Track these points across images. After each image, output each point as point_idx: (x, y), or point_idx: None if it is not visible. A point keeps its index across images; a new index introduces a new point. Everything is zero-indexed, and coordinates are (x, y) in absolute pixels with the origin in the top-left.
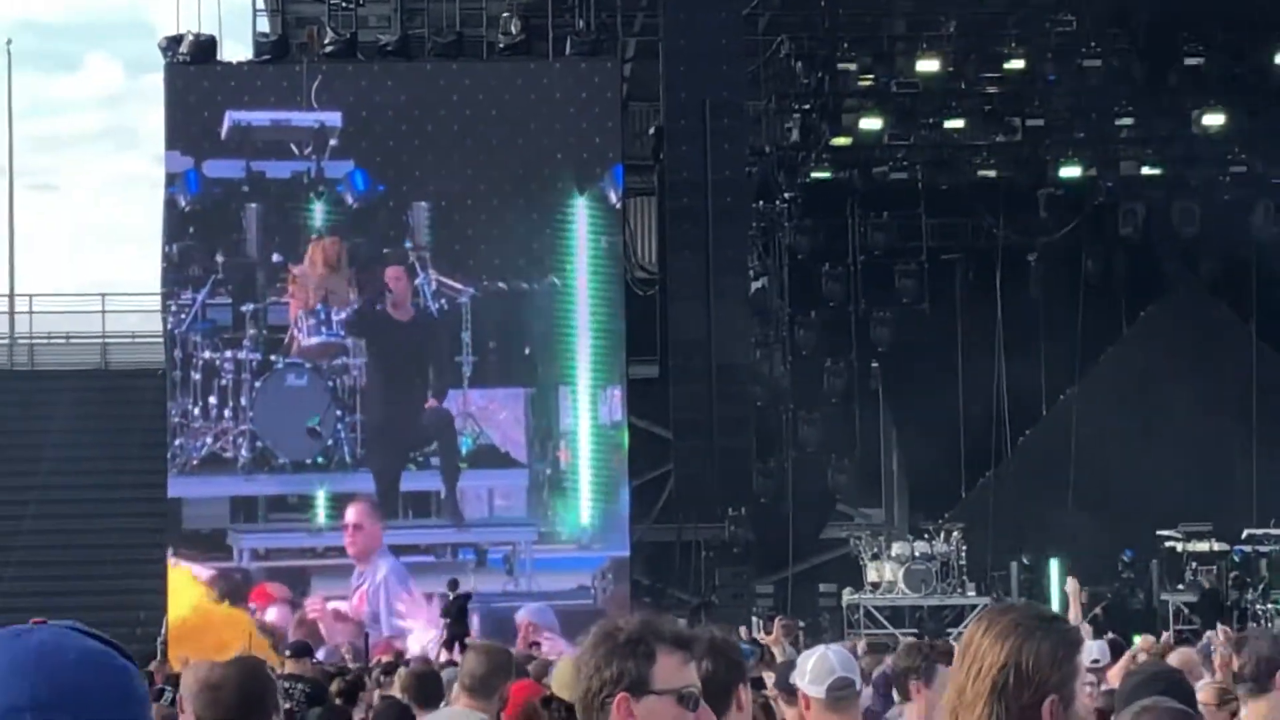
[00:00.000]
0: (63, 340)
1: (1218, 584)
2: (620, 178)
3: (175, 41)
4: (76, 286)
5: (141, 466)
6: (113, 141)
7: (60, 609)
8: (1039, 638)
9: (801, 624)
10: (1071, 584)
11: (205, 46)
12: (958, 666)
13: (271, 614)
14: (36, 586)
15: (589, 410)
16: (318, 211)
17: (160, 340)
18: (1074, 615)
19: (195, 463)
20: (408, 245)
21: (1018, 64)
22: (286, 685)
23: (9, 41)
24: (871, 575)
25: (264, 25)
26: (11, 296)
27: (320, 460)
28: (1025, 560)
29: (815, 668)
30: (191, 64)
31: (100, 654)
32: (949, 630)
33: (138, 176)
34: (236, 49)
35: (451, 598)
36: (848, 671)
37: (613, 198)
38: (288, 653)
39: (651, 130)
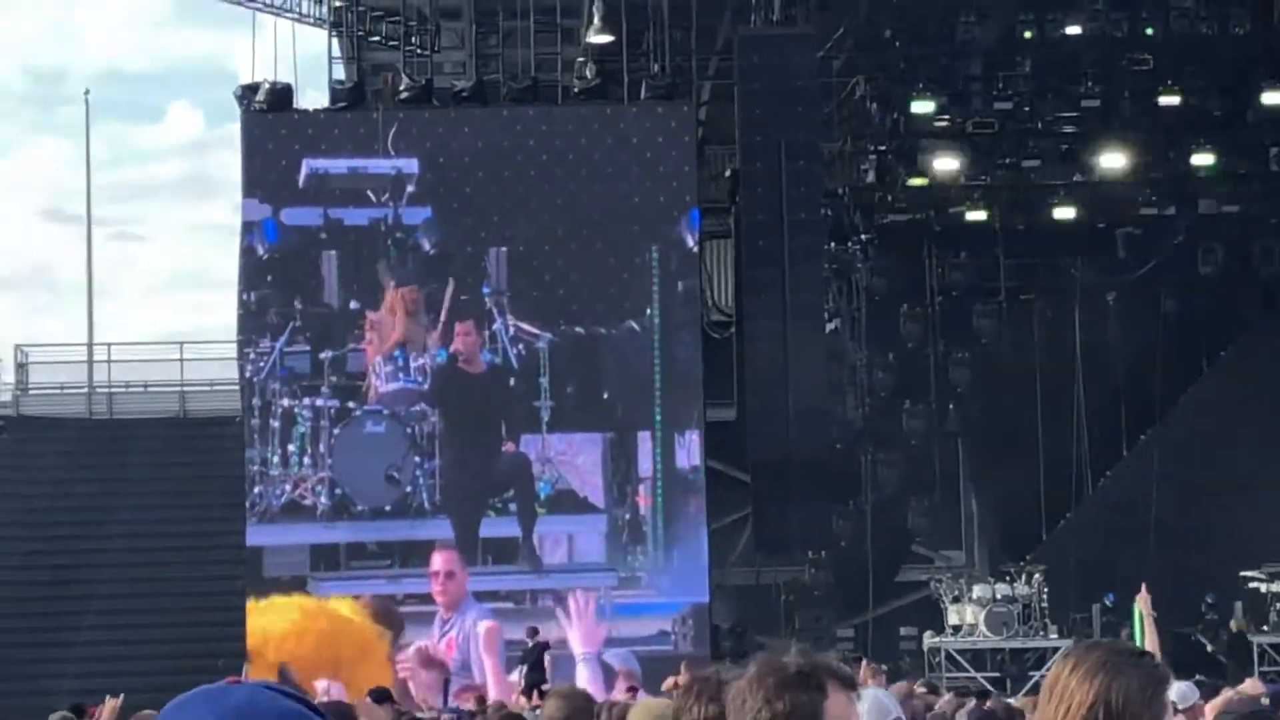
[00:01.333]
0: (141, 389)
1: None
2: (697, 221)
3: (251, 90)
4: (157, 335)
5: (220, 514)
6: (193, 190)
7: (139, 656)
8: (1128, 675)
9: (884, 668)
10: (1143, 598)
11: (281, 94)
12: (1044, 704)
13: None
14: (117, 635)
15: (667, 454)
16: (395, 258)
17: (236, 387)
18: (1149, 630)
19: (275, 510)
20: (485, 291)
21: (1094, 103)
22: None
23: (87, 92)
24: (952, 618)
25: (340, 73)
26: (90, 346)
27: (399, 507)
28: (1108, 602)
29: (871, 709)
30: (268, 112)
31: (295, 713)
32: (1031, 673)
33: (218, 225)
34: (313, 97)
35: (530, 645)
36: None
37: (689, 241)
38: (369, 700)
39: (727, 173)
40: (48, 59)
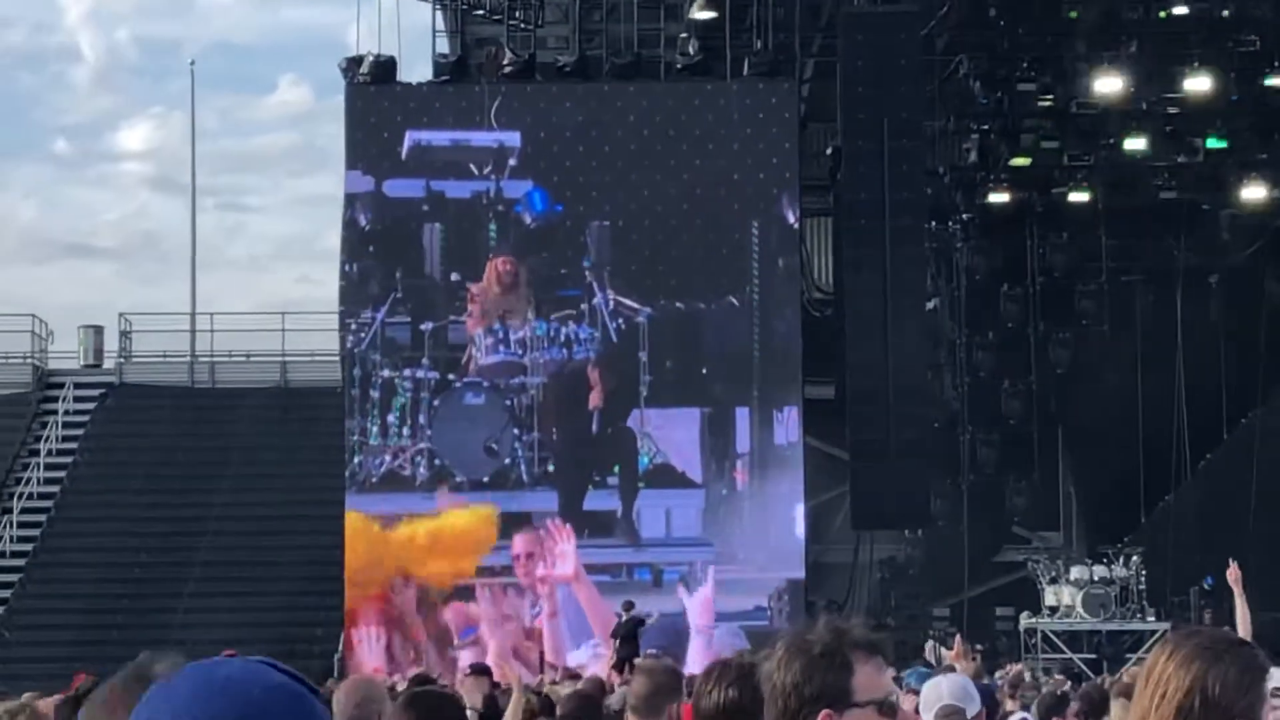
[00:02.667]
0: (243, 358)
1: None
2: (798, 199)
3: (356, 63)
4: (263, 305)
5: (320, 483)
6: (301, 161)
7: (239, 624)
8: (1226, 663)
9: (979, 647)
10: (1233, 573)
11: (385, 67)
12: (1141, 691)
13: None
14: (216, 603)
15: (765, 430)
16: (496, 231)
17: (337, 357)
18: (1240, 605)
19: (374, 480)
20: (585, 265)
21: (1200, 83)
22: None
23: (192, 63)
24: (1049, 599)
25: (443, 46)
26: (193, 315)
27: (497, 479)
28: (1206, 585)
29: (926, 695)
30: (372, 84)
31: (283, 689)
32: (1127, 655)
33: (324, 196)
34: (418, 70)
35: (624, 618)
36: (956, 699)
37: (790, 219)
38: (467, 671)
39: (829, 151)
40: (159, 30)
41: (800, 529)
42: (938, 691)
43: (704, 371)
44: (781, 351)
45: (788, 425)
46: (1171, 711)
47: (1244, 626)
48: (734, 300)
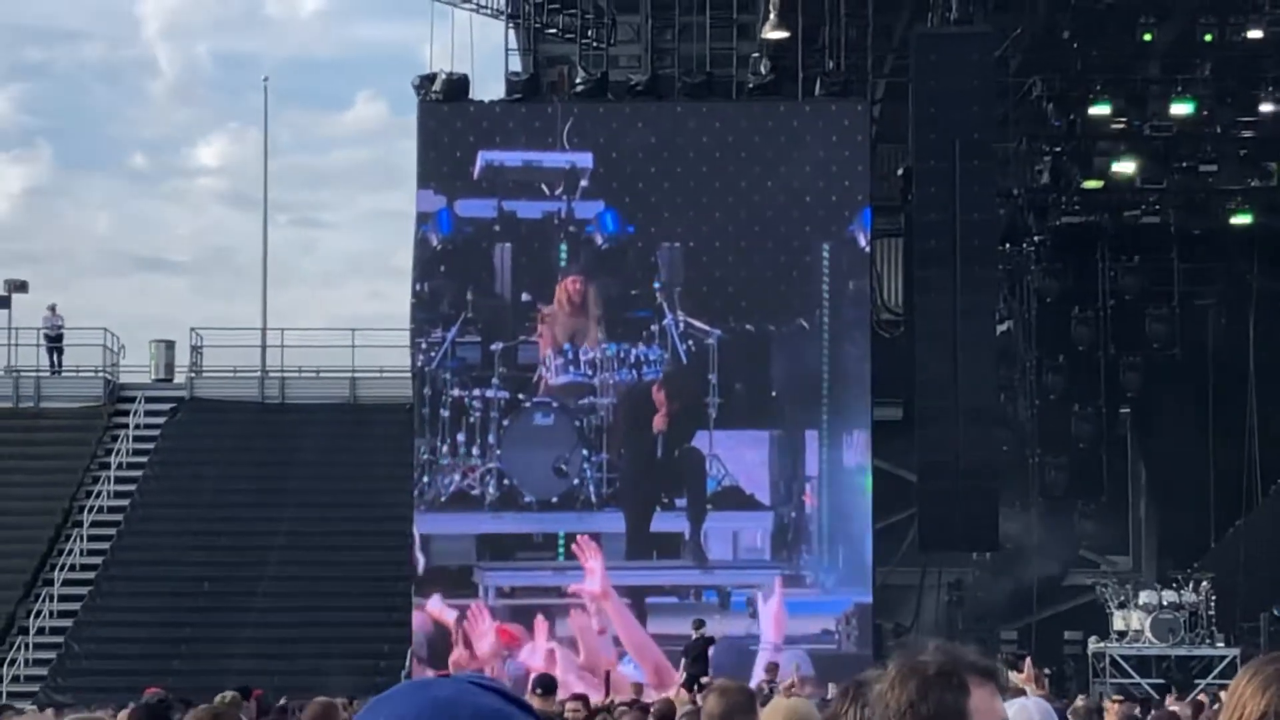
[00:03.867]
0: (313, 374)
1: None
2: (869, 220)
3: (429, 80)
4: (335, 321)
5: (388, 500)
6: (376, 177)
7: (306, 639)
8: None
9: (1048, 671)
10: None
11: (458, 85)
12: (1224, 713)
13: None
14: (284, 619)
15: (834, 453)
16: (567, 251)
17: (407, 375)
18: None
19: (443, 499)
20: (656, 286)
21: (1274, 107)
22: None
23: (265, 79)
24: (1118, 623)
25: (516, 64)
26: (264, 330)
27: (566, 499)
28: (1276, 611)
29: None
30: (444, 102)
31: (494, 712)
32: (1196, 681)
33: (398, 212)
34: (491, 88)
35: (695, 637)
36: None
37: (861, 241)
38: (539, 691)
39: (900, 171)
40: (236, 45)
41: (868, 553)
42: (1026, 714)
43: (773, 394)
44: (851, 374)
45: (856, 449)
46: None
47: None
48: (804, 323)
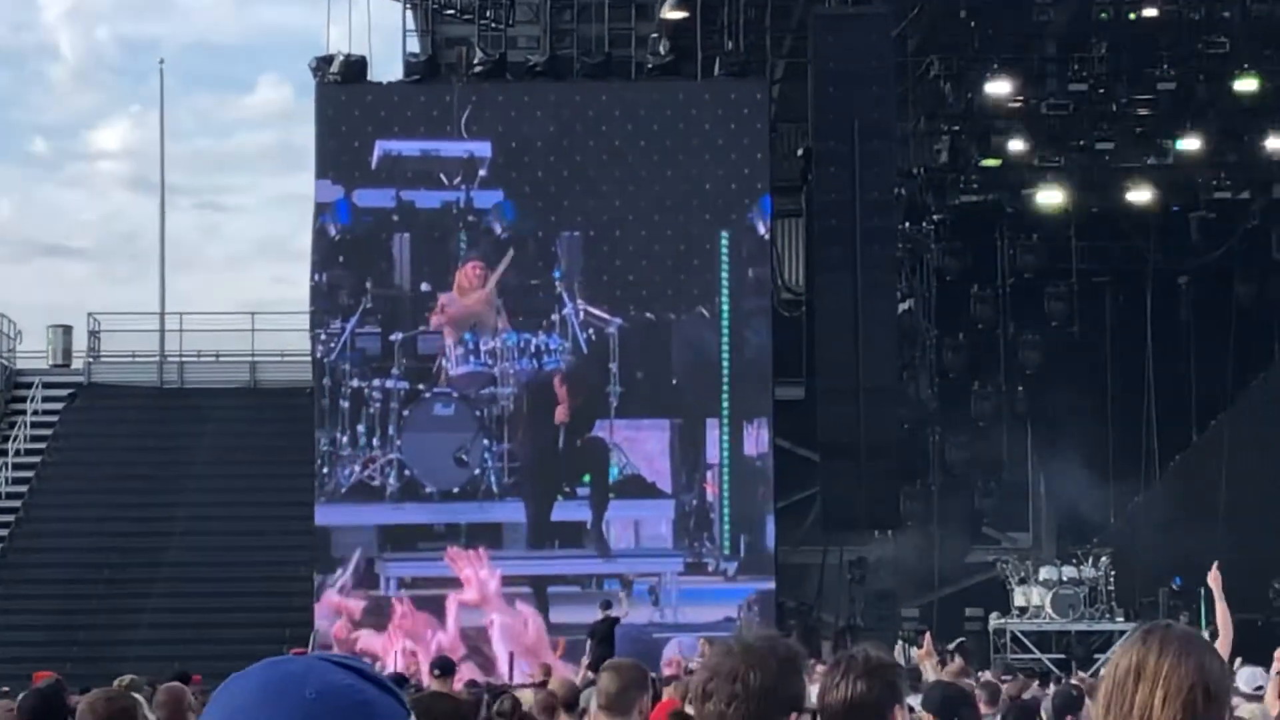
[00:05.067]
0: (212, 358)
1: None
2: (768, 208)
3: (326, 62)
4: (240, 305)
5: (289, 485)
6: (279, 161)
7: (206, 625)
8: (1212, 654)
9: (949, 648)
10: (1214, 576)
11: (356, 67)
12: (1128, 687)
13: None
14: (186, 604)
15: (735, 442)
16: (466, 241)
17: (308, 359)
18: (1221, 609)
19: (343, 491)
20: (555, 275)
21: (1170, 85)
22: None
23: (161, 61)
24: (1019, 600)
25: (414, 46)
26: (162, 315)
27: (468, 490)
28: (1175, 586)
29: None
30: (343, 84)
31: (343, 688)
32: (1096, 656)
33: (301, 196)
34: (389, 71)
35: (601, 618)
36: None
37: (761, 228)
38: (436, 672)
39: (800, 151)
40: (139, 29)
41: (770, 540)
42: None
43: (674, 382)
44: (752, 362)
45: (758, 437)
46: (1178, 708)
47: (1225, 628)
48: (704, 311)
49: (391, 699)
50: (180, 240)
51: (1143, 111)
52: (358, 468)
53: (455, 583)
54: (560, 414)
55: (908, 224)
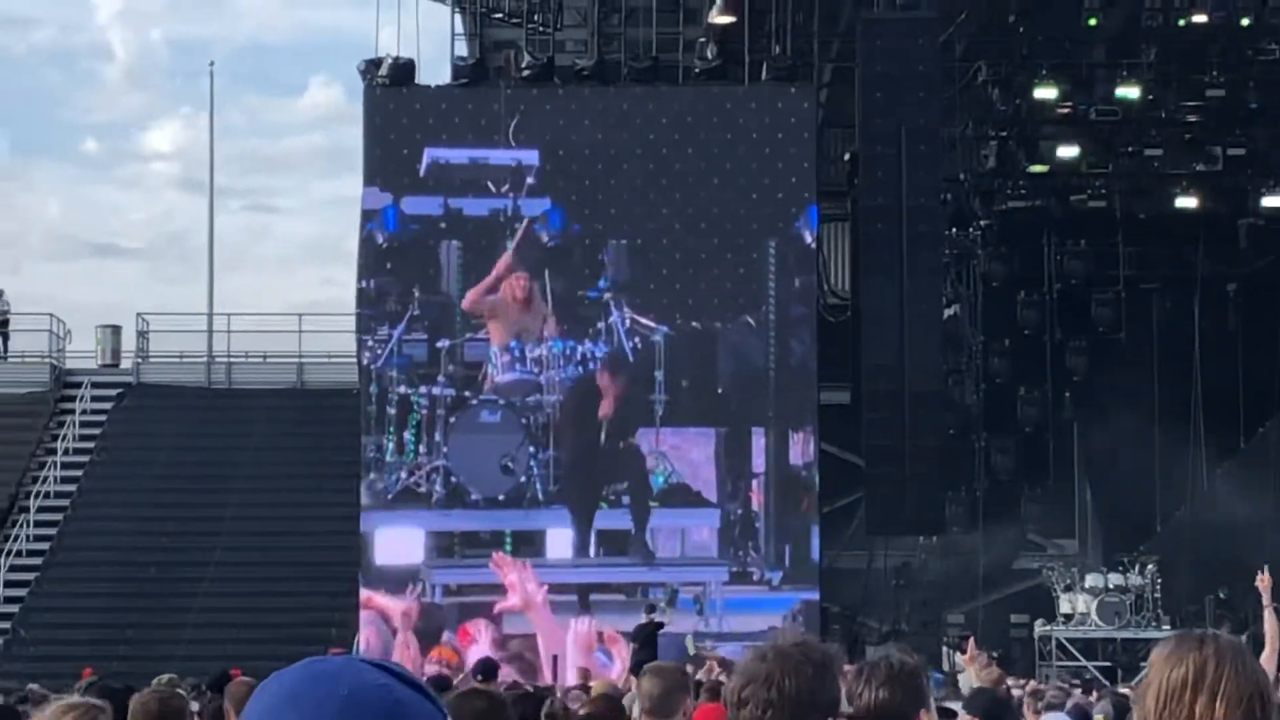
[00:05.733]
0: (260, 359)
1: None
2: (815, 217)
3: (375, 65)
4: (288, 306)
5: (335, 485)
6: (329, 163)
7: (252, 624)
8: (1258, 661)
9: (995, 654)
10: (1263, 580)
11: (404, 69)
12: (1191, 699)
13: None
14: (231, 603)
15: (780, 451)
16: (514, 249)
17: (355, 360)
18: (1269, 618)
19: (389, 498)
20: (602, 284)
21: (1219, 92)
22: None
23: (212, 64)
24: (1064, 607)
25: (462, 49)
26: (210, 315)
27: (513, 497)
28: (1221, 595)
29: None
30: (390, 87)
31: (377, 688)
32: (1141, 664)
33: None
34: (437, 74)
35: (645, 620)
36: None
37: (807, 238)
38: (479, 676)
39: (846, 156)
40: (191, 30)
41: (815, 551)
42: None
43: (720, 391)
44: (797, 371)
45: (803, 446)
46: (1239, 716)
47: (1272, 639)
48: (750, 320)
49: (427, 701)
50: (230, 241)
51: (1192, 118)
52: (404, 474)
53: (500, 589)
54: (605, 408)
55: (954, 230)
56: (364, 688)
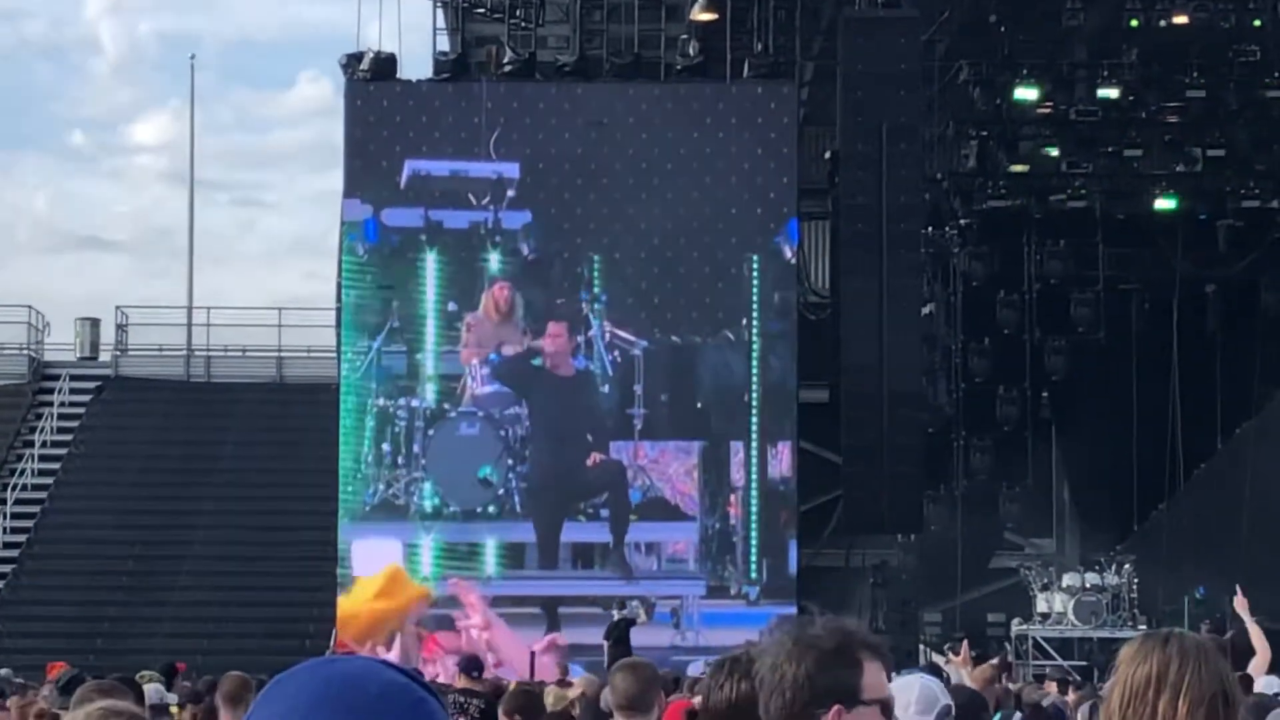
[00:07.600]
0: (239, 353)
1: None
2: (795, 232)
3: (356, 59)
4: (273, 300)
5: (313, 479)
6: (316, 158)
7: (230, 619)
8: (1224, 660)
9: (973, 654)
10: (1240, 602)
11: (385, 64)
12: (1154, 698)
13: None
14: (209, 596)
15: (759, 465)
16: (494, 262)
17: (334, 355)
18: (1255, 632)
19: (368, 509)
20: (582, 297)
21: (1199, 93)
22: (461, 700)
23: (193, 57)
24: (1041, 606)
25: (444, 44)
26: (190, 309)
27: (491, 509)
28: (1198, 594)
29: (921, 698)
30: (371, 81)
31: (401, 687)
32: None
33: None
34: (419, 70)
35: (616, 618)
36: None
37: (787, 253)
38: (474, 673)
39: (827, 154)
40: (179, 24)
41: (793, 565)
42: (910, 690)
43: (699, 405)
44: (777, 386)
45: (781, 460)
46: (1202, 715)
47: (1261, 647)
48: (729, 334)
49: (433, 698)
50: (216, 235)
51: (1172, 119)
52: (382, 486)
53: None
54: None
55: (933, 229)
56: (392, 687)
